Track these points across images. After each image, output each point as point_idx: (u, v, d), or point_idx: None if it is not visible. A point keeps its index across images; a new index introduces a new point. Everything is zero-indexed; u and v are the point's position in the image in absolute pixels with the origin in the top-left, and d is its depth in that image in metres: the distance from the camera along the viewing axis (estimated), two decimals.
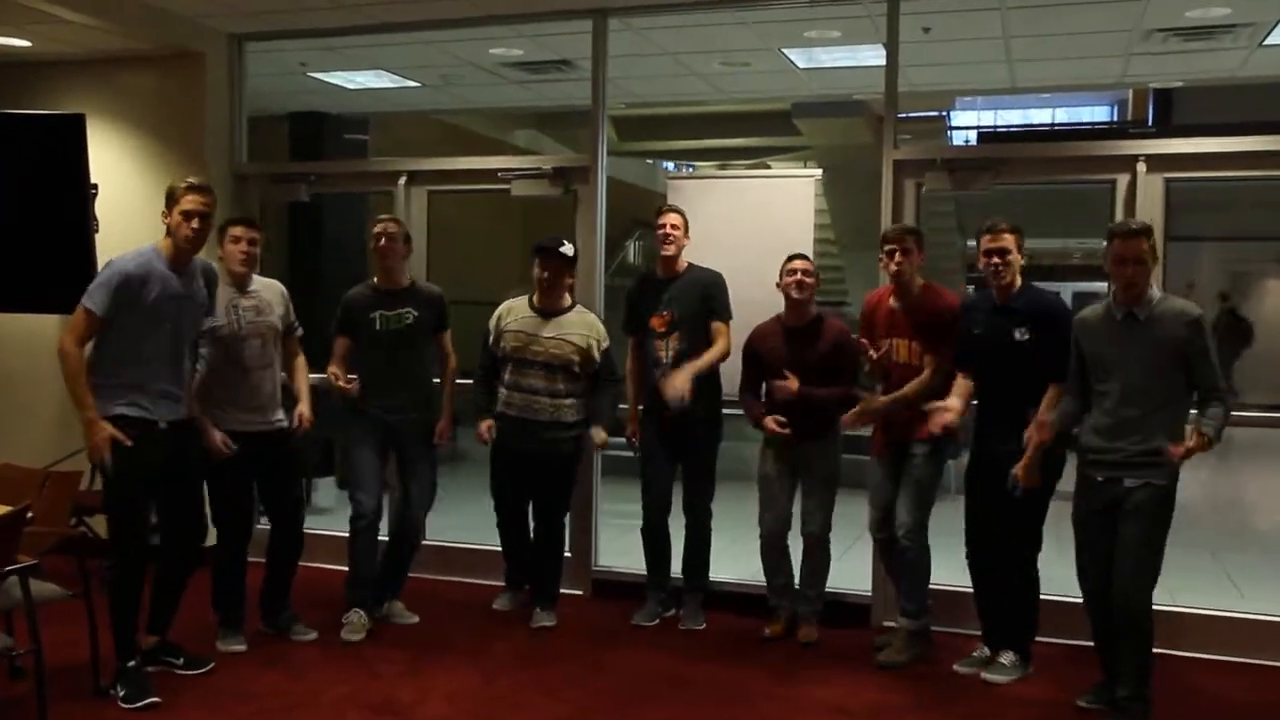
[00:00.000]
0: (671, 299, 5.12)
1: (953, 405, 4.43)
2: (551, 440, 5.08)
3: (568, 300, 5.16)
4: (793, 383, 4.77)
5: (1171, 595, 4.77)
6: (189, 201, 4.16)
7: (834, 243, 10.49)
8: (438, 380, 5.29)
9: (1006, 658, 4.57)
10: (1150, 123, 14.18)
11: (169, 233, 4.18)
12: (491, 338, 5.16)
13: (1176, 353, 3.89)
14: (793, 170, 7.98)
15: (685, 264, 5.18)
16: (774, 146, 10.64)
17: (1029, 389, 4.32)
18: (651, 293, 5.20)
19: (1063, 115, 16.72)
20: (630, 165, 11.55)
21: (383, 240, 5.03)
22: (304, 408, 4.79)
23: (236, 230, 4.66)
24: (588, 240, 5.78)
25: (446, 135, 9.54)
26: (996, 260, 4.39)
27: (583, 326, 5.12)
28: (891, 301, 4.75)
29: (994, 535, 4.51)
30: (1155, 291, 3.99)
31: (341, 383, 4.86)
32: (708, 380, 5.08)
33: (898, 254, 4.62)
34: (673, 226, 5.10)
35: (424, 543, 5.92)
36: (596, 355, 5.09)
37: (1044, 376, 4.29)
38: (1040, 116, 16.67)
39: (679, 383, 4.87)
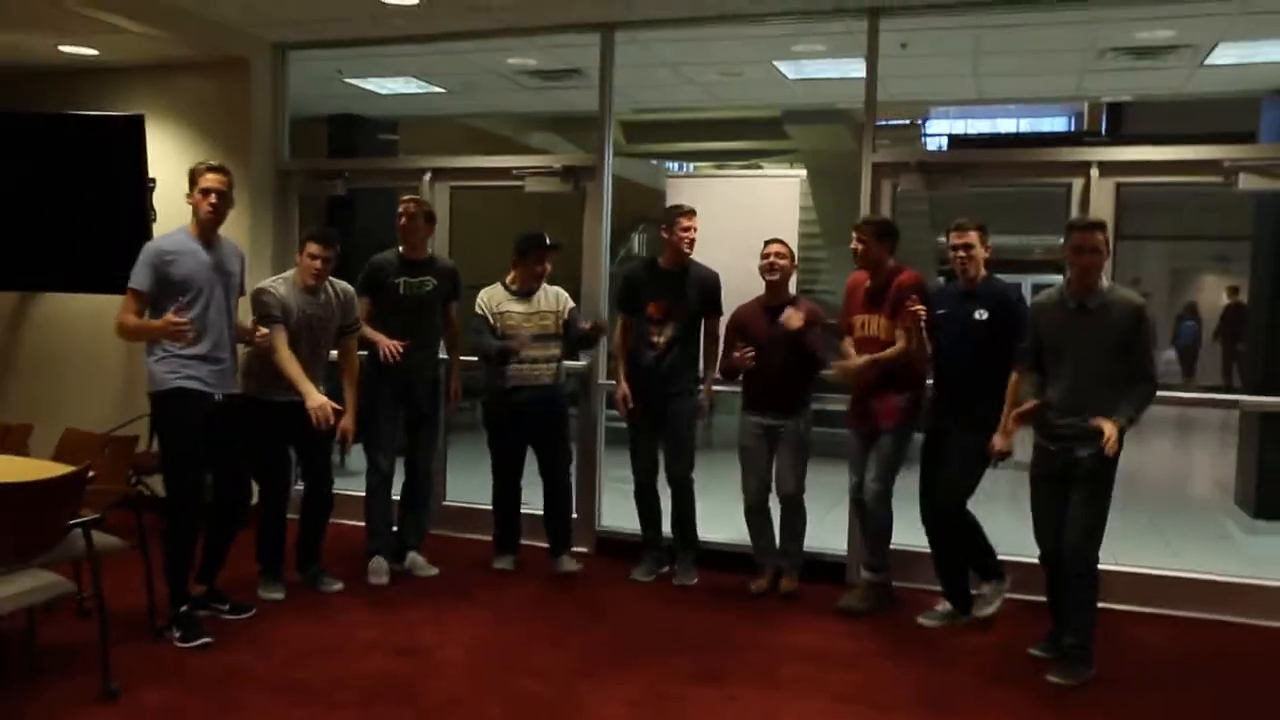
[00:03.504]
0: (672, 290, 5.15)
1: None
2: (551, 399, 5.22)
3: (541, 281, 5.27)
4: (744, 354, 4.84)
5: (1114, 556, 4.78)
6: (207, 180, 4.17)
7: (819, 236, 10.46)
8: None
9: (985, 588, 4.67)
10: (1104, 132, 14.12)
11: (193, 211, 4.19)
12: (491, 321, 5.19)
13: (1121, 338, 3.92)
14: (780, 171, 7.95)
15: (688, 259, 5.20)
16: (766, 150, 10.60)
17: (983, 367, 4.38)
18: (654, 281, 5.21)
19: (1026, 125, 16.66)
20: (636, 166, 11.51)
21: (404, 218, 5.13)
22: (348, 422, 4.76)
23: (313, 248, 4.62)
24: (594, 232, 5.78)
25: (470, 137, 9.50)
26: (962, 254, 4.49)
27: (555, 297, 5.25)
28: (867, 282, 4.82)
29: (937, 475, 4.56)
30: (1106, 282, 4.02)
31: (391, 347, 4.92)
32: (686, 360, 5.14)
33: (854, 240, 4.75)
34: (693, 228, 5.13)
35: (444, 504, 5.98)
36: (565, 313, 5.24)
37: (996, 355, 4.35)
38: (1006, 125, 16.62)
39: (707, 395, 5.10)
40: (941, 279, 4.74)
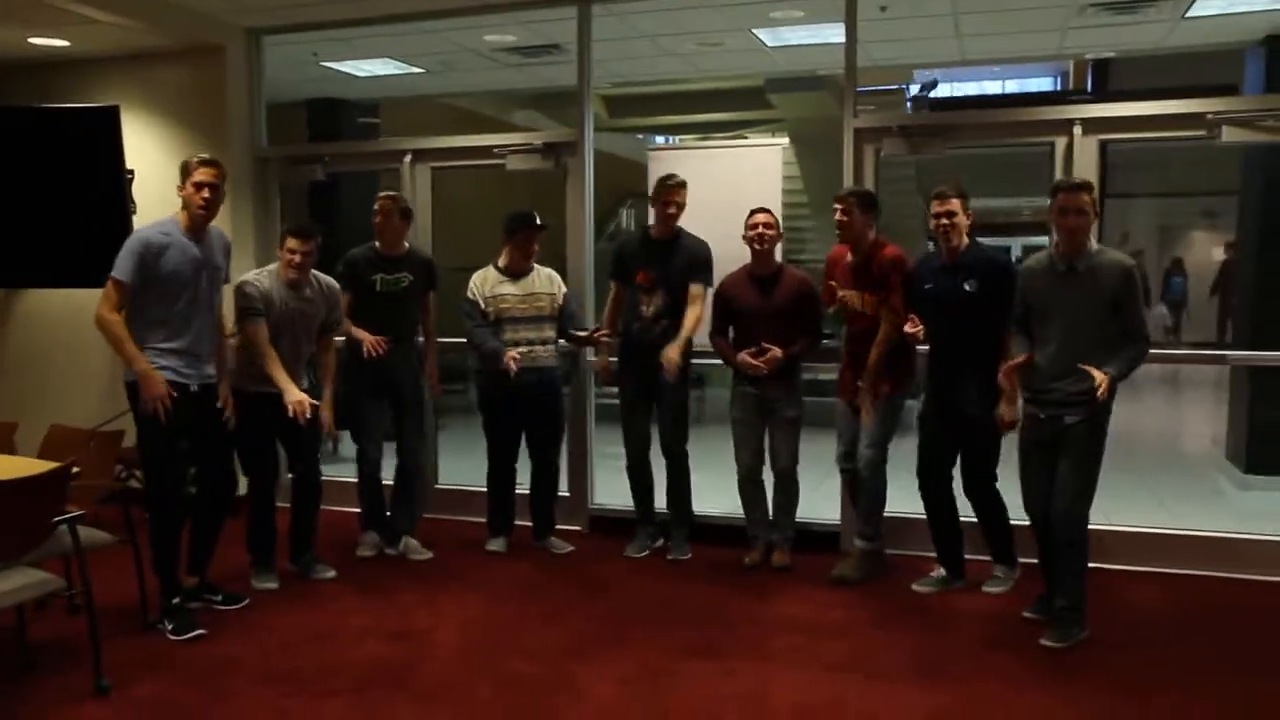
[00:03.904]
0: (661, 260, 5.10)
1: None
2: (549, 380, 5.18)
3: (531, 262, 5.20)
4: (770, 357, 4.77)
5: (1106, 515, 4.77)
6: (201, 174, 4.10)
7: (807, 205, 10.36)
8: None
9: (998, 570, 4.65)
10: (1089, 90, 14.00)
11: (185, 204, 4.12)
12: (482, 304, 5.12)
13: (1111, 300, 3.87)
14: (762, 140, 7.85)
15: (677, 229, 5.16)
16: (750, 120, 10.49)
17: (977, 337, 4.32)
18: (644, 251, 5.17)
19: (1013, 86, 16.52)
20: (622, 140, 11.40)
21: (379, 216, 5.12)
22: (326, 413, 4.71)
23: (292, 243, 4.57)
24: (577, 208, 5.71)
25: (454, 117, 9.40)
26: (945, 222, 4.38)
27: (549, 279, 5.23)
28: (848, 256, 4.74)
29: (944, 470, 4.56)
30: (1093, 244, 3.97)
31: (375, 344, 4.92)
32: (677, 331, 5.04)
33: (839, 212, 4.64)
34: (684, 200, 5.09)
35: (435, 487, 5.94)
36: (560, 298, 5.21)
37: (992, 325, 4.27)
38: (993, 87, 16.47)
39: (672, 358, 4.90)
40: (931, 245, 4.65)
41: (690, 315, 4.98)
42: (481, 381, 5.26)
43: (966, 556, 4.71)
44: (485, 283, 5.15)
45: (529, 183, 6.13)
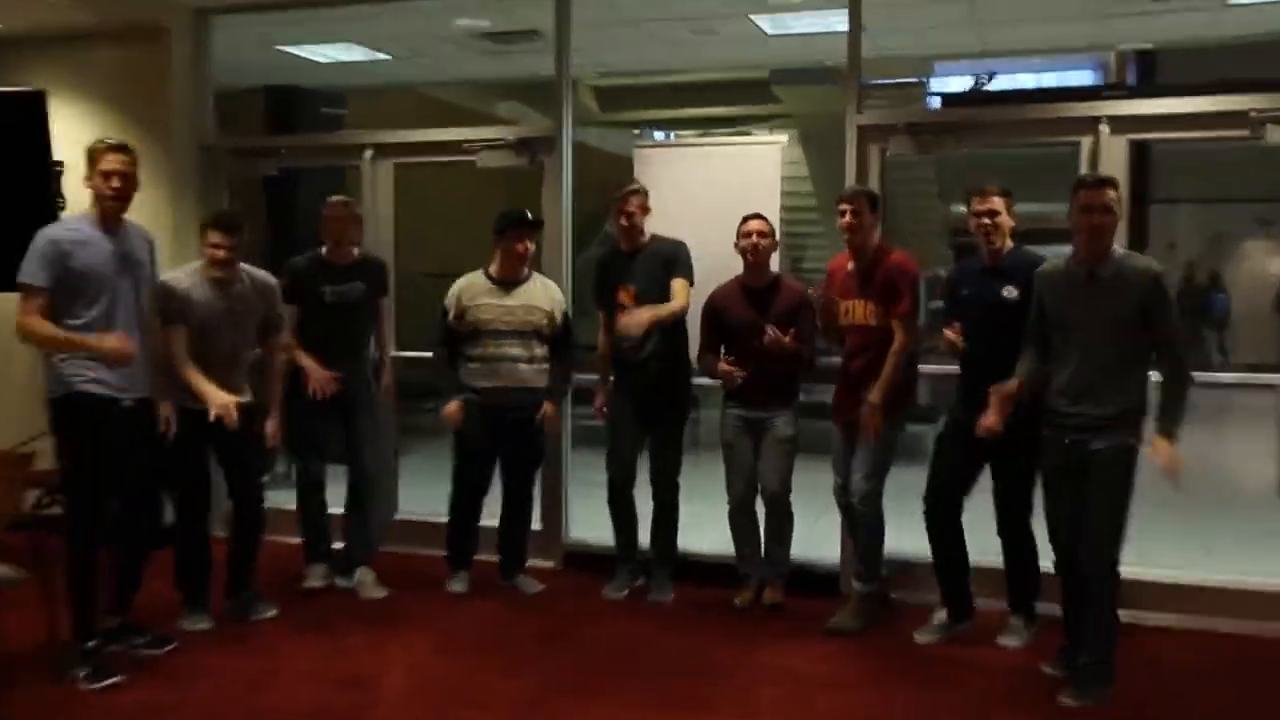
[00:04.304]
0: (637, 273, 5.04)
1: None
2: (533, 404, 5.07)
3: (526, 269, 5.09)
4: (771, 339, 4.65)
5: (1141, 558, 4.62)
6: (108, 161, 4.04)
7: (815, 210, 10.31)
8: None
9: (1015, 620, 4.54)
10: (1133, 84, 13.94)
11: (94, 197, 4.06)
12: (452, 314, 5.05)
13: (1138, 311, 3.80)
14: (759, 137, 7.78)
15: (649, 236, 5.09)
16: (755, 115, 10.47)
17: (1015, 352, 4.17)
18: (618, 266, 5.12)
19: (1051, 79, 16.45)
20: (615, 136, 11.38)
21: (330, 223, 5.11)
22: (273, 426, 4.71)
23: (214, 237, 4.51)
24: (553, 210, 5.65)
25: (428, 109, 9.35)
26: (986, 221, 4.33)
27: (546, 292, 5.13)
28: (849, 265, 4.67)
29: (958, 499, 4.47)
30: (1118, 249, 3.90)
31: (323, 382, 4.92)
32: (677, 356, 5.05)
33: (849, 214, 4.56)
34: (636, 209, 5.01)
35: (397, 518, 5.85)
36: (559, 319, 5.09)
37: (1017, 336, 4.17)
38: (1026, 81, 16.41)
39: (637, 317, 4.82)
40: (953, 254, 4.57)
41: (670, 304, 4.91)
42: (463, 399, 5.14)
43: (978, 604, 4.62)
44: (466, 290, 5.07)
45: (523, 181, 6.02)
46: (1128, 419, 3.82)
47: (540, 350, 5.05)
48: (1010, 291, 4.26)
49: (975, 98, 11.94)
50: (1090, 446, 3.84)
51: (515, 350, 4.99)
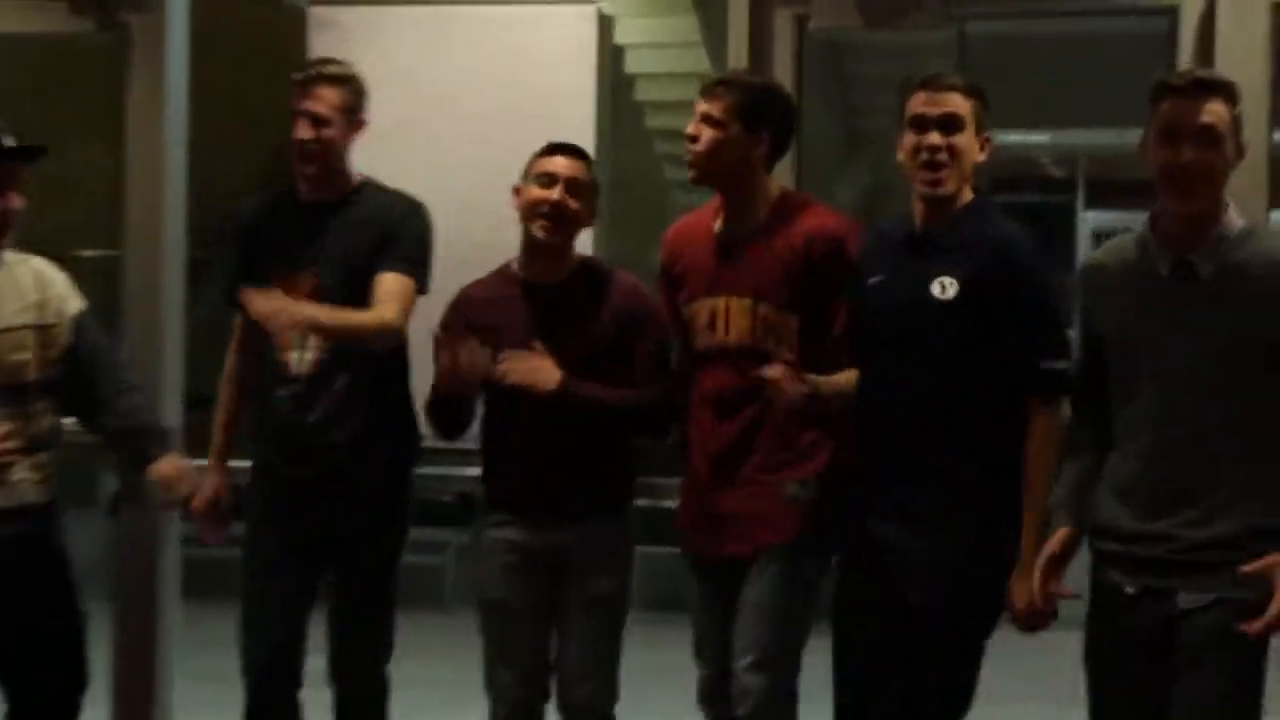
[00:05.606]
0: (327, 245, 3.10)
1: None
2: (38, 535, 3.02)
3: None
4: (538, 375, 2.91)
5: None
6: None
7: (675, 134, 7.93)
8: None
9: None
10: None
11: None
12: None
13: (1274, 340, 2.43)
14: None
15: (354, 180, 3.17)
16: None
17: (960, 406, 2.67)
18: (284, 234, 3.16)
19: None
20: None
21: None
22: None
23: None
24: (147, 120, 3.64)
25: None
26: (934, 140, 2.64)
27: (38, 283, 2.93)
28: (716, 225, 2.92)
29: (882, 688, 2.85)
30: (1236, 220, 2.45)
31: None
32: (385, 423, 3.13)
33: (699, 119, 2.82)
34: (330, 113, 3.06)
35: None
36: (67, 337, 2.91)
37: (989, 376, 2.64)
38: None
39: (290, 309, 2.96)
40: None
41: (365, 316, 3.06)
42: None
43: None
44: None
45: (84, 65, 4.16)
46: (1260, 545, 2.38)
47: (38, 419, 2.86)
48: (945, 284, 2.69)
49: None
50: (1177, 600, 2.46)
51: None
